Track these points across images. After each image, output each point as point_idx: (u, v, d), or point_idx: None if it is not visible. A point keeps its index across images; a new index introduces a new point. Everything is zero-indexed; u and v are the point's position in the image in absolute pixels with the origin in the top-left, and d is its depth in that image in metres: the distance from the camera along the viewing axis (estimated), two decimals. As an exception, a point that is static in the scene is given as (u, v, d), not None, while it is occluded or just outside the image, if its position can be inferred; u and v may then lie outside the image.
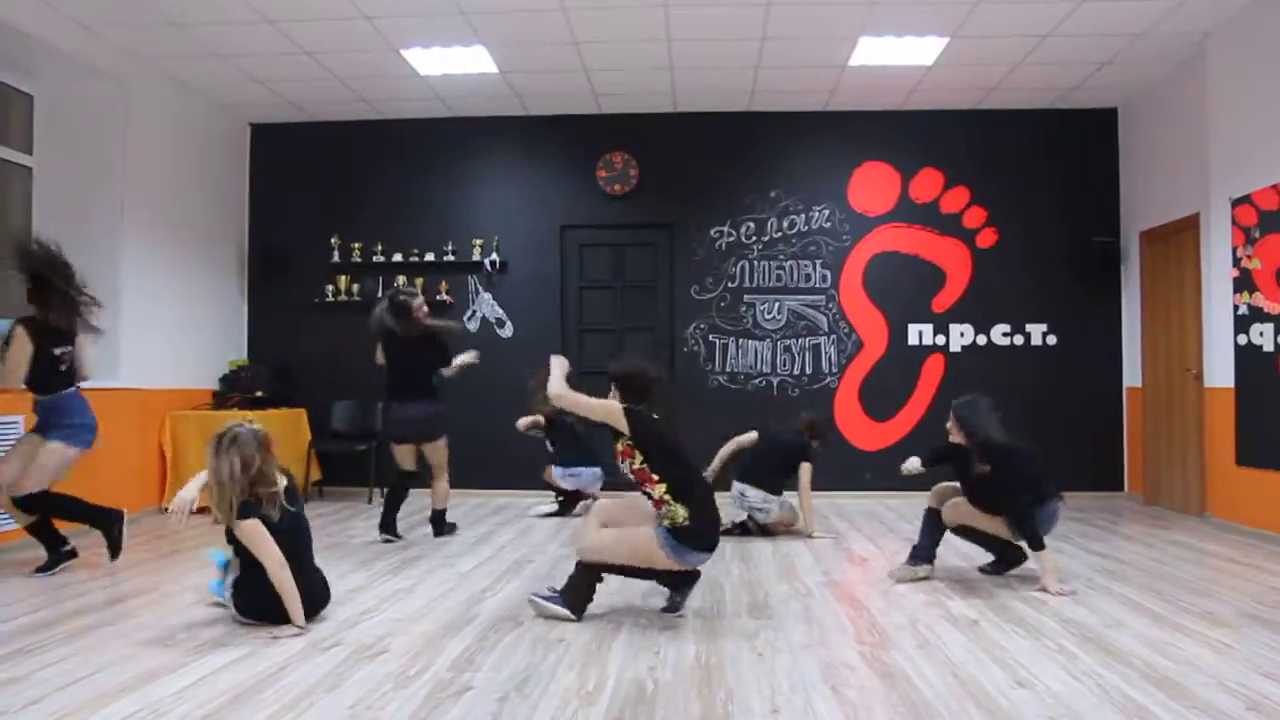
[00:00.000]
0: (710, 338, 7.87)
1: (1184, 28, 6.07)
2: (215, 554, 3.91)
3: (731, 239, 7.87)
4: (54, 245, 4.58)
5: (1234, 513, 5.97)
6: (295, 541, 3.62)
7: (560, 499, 6.68)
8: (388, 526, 5.58)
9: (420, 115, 7.94)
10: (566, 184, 7.96)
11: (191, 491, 3.63)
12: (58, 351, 4.56)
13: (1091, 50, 6.48)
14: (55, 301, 4.51)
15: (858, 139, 7.83)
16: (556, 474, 6.56)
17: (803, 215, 7.86)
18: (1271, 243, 5.62)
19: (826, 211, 7.84)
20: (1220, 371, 6.14)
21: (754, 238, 7.87)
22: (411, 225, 8.00)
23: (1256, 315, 5.74)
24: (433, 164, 8.04)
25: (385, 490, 5.96)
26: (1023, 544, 4.41)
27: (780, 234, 7.86)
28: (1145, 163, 7.32)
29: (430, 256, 7.94)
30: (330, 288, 7.98)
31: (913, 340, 7.75)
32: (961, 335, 7.72)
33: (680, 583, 3.86)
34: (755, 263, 7.86)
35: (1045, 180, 7.71)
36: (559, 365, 3.97)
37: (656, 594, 4.05)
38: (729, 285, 7.86)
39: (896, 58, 6.63)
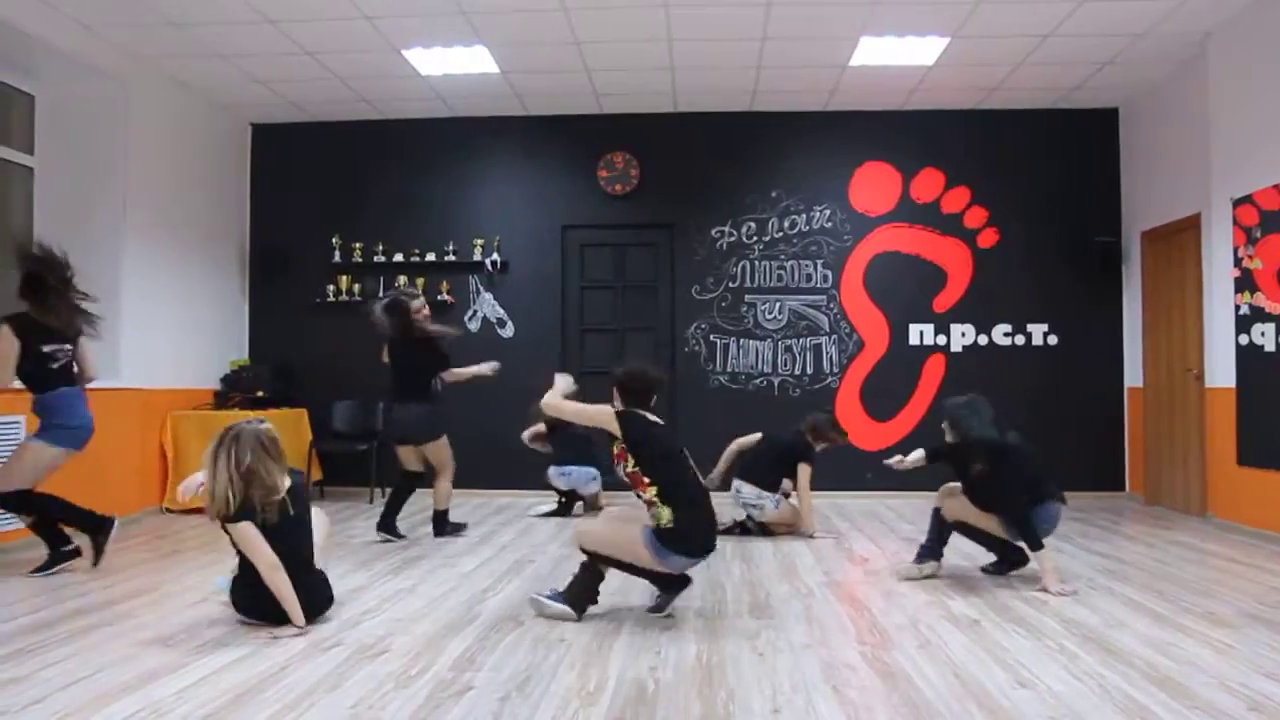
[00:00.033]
0: (711, 338, 7.87)
1: (1185, 28, 6.07)
2: (220, 580, 3.89)
3: (732, 239, 7.87)
4: (57, 249, 4.56)
5: (1235, 513, 5.97)
6: (293, 546, 3.59)
7: (562, 499, 6.68)
8: (387, 526, 5.58)
9: (421, 115, 7.94)
10: (567, 184, 7.96)
11: (200, 477, 3.64)
12: (47, 349, 4.49)
13: (1093, 50, 6.47)
14: (51, 300, 4.48)
15: (859, 139, 7.83)
16: (551, 473, 6.58)
17: (804, 215, 7.86)
18: (1273, 242, 5.61)
19: (827, 211, 7.84)
20: (1222, 371, 6.14)
21: (755, 238, 7.87)
22: (413, 225, 8.00)
23: (1258, 315, 5.74)
24: (434, 164, 8.04)
25: (387, 490, 5.96)
26: (1021, 544, 4.42)
27: (781, 234, 7.86)
28: (1147, 162, 7.32)
29: (431, 256, 7.94)
30: (331, 288, 7.98)
31: (914, 340, 7.74)
32: (963, 335, 7.71)
33: (668, 585, 3.86)
34: (756, 263, 7.86)
35: (1046, 180, 7.71)
36: (562, 381, 4.03)
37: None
38: (730, 285, 7.86)
39: (897, 58, 6.62)
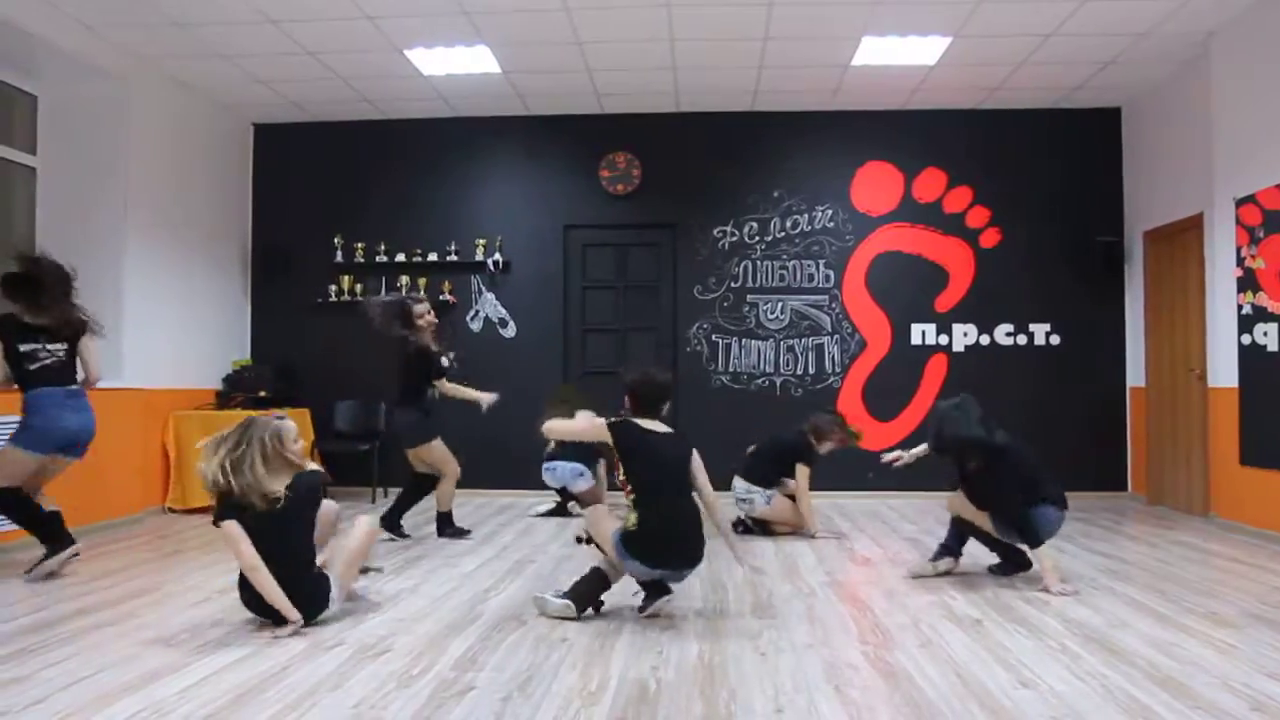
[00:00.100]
0: (713, 338, 7.86)
1: (1187, 27, 6.06)
2: None
3: (734, 239, 7.87)
4: (60, 260, 4.53)
5: (1238, 513, 5.96)
6: (293, 546, 3.57)
7: (560, 499, 6.67)
8: (390, 523, 5.59)
9: (423, 115, 7.94)
10: (569, 184, 7.96)
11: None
12: (24, 348, 4.43)
13: (1095, 50, 6.47)
14: (44, 300, 4.44)
15: (860, 139, 7.83)
16: (543, 471, 6.53)
17: (806, 215, 7.85)
18: (1276, 242, 5.60)
19: (829, 211, 7.84)
20: (1224, 371, 6.13)
21: (757, 237, 7.86)
22: (414, 225, 8.00)
23: (1260, 315, 5.73)
24: (436, 164, 8.04)
25: (389, 490, 5.95)
26: (1020, 545, 4.41)
27: (783, 234, 7.85)
28: (1149, 162, 7.31)
29: (433, 256, 7.94)
30: (333, 287, 7.98)
31: (916, 340, 7.74)
32: (965, 335, 7.71)
33: (646, 586, 3.83)
34: (758, 262, 7.86)
35: (1048, 180, 7.70)
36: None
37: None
38: (732, 285, 7.86)
39: (899, 57, 6.62)
